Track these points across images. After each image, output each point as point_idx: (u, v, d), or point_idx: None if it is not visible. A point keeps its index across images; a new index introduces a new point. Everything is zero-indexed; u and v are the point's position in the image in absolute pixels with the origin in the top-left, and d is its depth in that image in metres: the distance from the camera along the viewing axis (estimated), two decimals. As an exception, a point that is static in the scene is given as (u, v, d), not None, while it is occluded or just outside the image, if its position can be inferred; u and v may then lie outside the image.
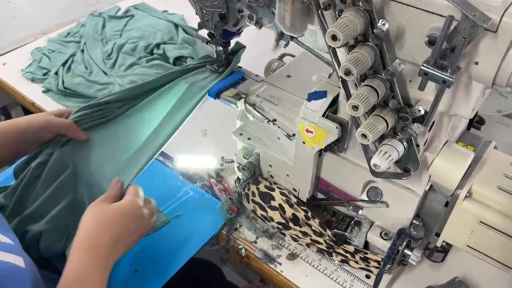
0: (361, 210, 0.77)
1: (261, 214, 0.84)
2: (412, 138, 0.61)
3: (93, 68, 1.22)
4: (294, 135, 0.75)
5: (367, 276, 0.79)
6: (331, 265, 0.81)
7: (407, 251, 0.72)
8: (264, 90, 0.83)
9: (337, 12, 0.56)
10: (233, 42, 0.89)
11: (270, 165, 0.83)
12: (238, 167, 0.87)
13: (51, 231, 0.76)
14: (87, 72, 1.21)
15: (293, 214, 0.81)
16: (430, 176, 0.67)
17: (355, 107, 0.57)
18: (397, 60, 0.55)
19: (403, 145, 0.62)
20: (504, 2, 0.48)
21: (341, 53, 0.61)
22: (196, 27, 0.84)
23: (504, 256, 0.64)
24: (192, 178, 0.96)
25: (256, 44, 0.97)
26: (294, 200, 0.82)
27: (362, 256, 0.78)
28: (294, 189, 0.83)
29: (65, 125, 0.84)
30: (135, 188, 0.74)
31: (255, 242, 0.85)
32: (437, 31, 0.51)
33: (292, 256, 0.82)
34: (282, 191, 0.83)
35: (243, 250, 0.83)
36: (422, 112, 0.58)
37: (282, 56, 0.99)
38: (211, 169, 0.97)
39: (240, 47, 0.91)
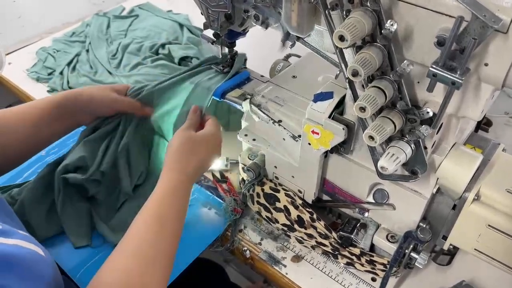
0: (367, 213, 0.77)
1: (266, 215, 0.83)
2: (420, 140, 0.61)
3: (98, 68, 1.22)
4: (299, 136, 0.75)
5: (373, 279, 0.78)
6: (337, 267, 0.80)
7: (413, 254, 0.71)
8: (269, 91, 0.82)
9: (344, 12, 0.55)
10: (238, 42, 0.89)
11: (275, 166, 0.83)
12: (243, 168, 0.86)
13: None
14: (92, 72, 1.21)
15: (298, 216, 0.80)
16: (437, 178, 0.66)
17: (363, 109, 0.56)
18: (405, 61, 0.54)
19: (411, 147, 0.61)
20: (515, 2, 0.48)
21: (348, 54, 0.60)
22: (201, 27, 0.83)
23: (512, 260, 0.64)
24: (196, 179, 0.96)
25: (261, 45, 0.96)
26: (299, 201, 0.81)
27: (368, 259, 0.77)
28: (300, 191, 0.82)
29: (130, 102, 0.87)
30: (214, 119, 0.82)
31: (260, 243, 0.84)
32: (446, 32, 0.50)
33: (297, 258, 0.81)
34: (287, 192, 0.82)
35: (247, 251, 0.83)
36: (431, 114, 0.58)
37: (288, 56, 0.99)
38: (216, 170, 0.96)
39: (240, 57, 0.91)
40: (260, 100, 0.81)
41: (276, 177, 0.84)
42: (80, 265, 0.78)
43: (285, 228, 0.82)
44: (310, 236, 0.80)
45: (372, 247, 0.78)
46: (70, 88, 1.15)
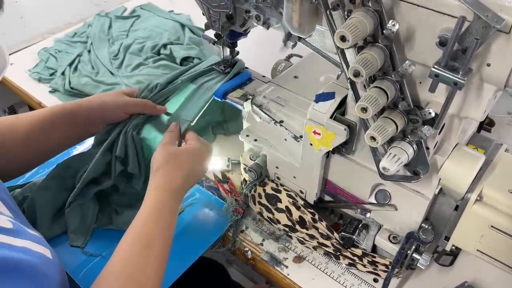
0: (369, 213, 0.77)
1: (267, 216, 0.83)
2: (422, 141, 0.60)
3: (99, 68, 1.22)
4: (301, 136, 0.75)
5: (375, 280, 0.78)
6: (338, 268, 0.80)
7: (415, 255, 0.71)
8: (271, 91, 0.82)
9: (346, 13, 0.55)
10: (240, 43, 0.88)
11: (277, 167, 0.82)
12: (244, 168, 0.86)
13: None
14: (93, 72, 1.21)
15: (300, 216, 0.80)
16: (440, 179, 0.66)
17: (364, 109, 0.56)
18: (407, 62, 0.54)
19: (413, 147, 0.61)
20: (517, 2, 0.47)
21: (350, 54, 0.60)
22: (203, 27, 0.83)
23: (515, 261, 0.63)
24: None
25: (263, 45, 0.96)
26: (301, 202, 0.81)
27: (370, 260, 0.77)
28: (301, 191, 0.82)
29: (143, 103, 0.86)
30: (194, 133, 0.82)
31: (261, 244, 0.84)
32: (448, 32, 0.50)
33: (299, 259, 0.81)
34: (289, 193, 0.82)
35: (249, 252, 0.83)
36: (433, 115, 0.57)
37: (290, 56, 0.99)
38: (218, 170, 0.96)
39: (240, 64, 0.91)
40: (262, 100, 0.81)
41: (278, 178, 0.84)
42: (82, 265, 0.78)
43: (287, 229, 0.82)
44: (312, 236, 0.80)
45: (374, 248, 0.78)
46: (71, 88, 1.15)
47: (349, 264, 0.78)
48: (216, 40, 0.84)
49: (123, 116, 0.84)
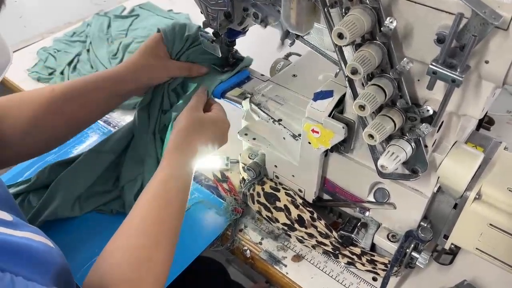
0: (368, 212, 0.76)
1: (266, 215, 0.83)
2: (420, 139, 0.60)
3: (98, 67, 1.22)
4: (299, 135, 0.74)
5: (374, 279, 0.78)
6: (337, 267, 0.80)
7: (414, 254, 0.71)
8: (269, 90, 0.82)
9: (343, 10, 0.55)
10: (238, 41, 0.88)
11: (276, 166, 0.82)
12: (243, 167, 0.86)
13: None
14: (92, 72, 1.21)
15: (298, 215, 0.80)
16: (438, 177, 0.66)
17: (362, 107, 0.56)
18: (405, 59, 0.54)
19: (411, 145, 0.61)
20: (515, -1, 0.47)
21: (348, 51, 0.60)
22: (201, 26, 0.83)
23: (514, 260, 0.63)
24: (197, 178, 0.95)
25: (261, 43, 0.96)
26: (299, 201, 0.81)
27: (369, 258, 0.76)
28: (300, 190, 0.82)
29: (184, 66, 0.86)
30: (220, 105, 0.82)
31: (260, 243, 0.84)
32: (446, 29, 0.50)
33: (298, 258, 0.81)
34: (287, 192, 0.82)
35: (248, 251, 0.82)
36: (431, 112, 0.57)
37: (288, 55, 0.98)
38: (216, 169, 0.96)
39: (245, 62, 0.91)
40: (260, 99, 0.80)
41: (277, 176, 0.84)
42: (81, 264, 0.78)
43: (286, 228, 0.81)
44: (311, 235, 0.80)
45: (373, 247, 0.78)
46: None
47: (348, 263, 0.78)
48: (214, 38, 0.84)
49: (163, 78, 0.86)
